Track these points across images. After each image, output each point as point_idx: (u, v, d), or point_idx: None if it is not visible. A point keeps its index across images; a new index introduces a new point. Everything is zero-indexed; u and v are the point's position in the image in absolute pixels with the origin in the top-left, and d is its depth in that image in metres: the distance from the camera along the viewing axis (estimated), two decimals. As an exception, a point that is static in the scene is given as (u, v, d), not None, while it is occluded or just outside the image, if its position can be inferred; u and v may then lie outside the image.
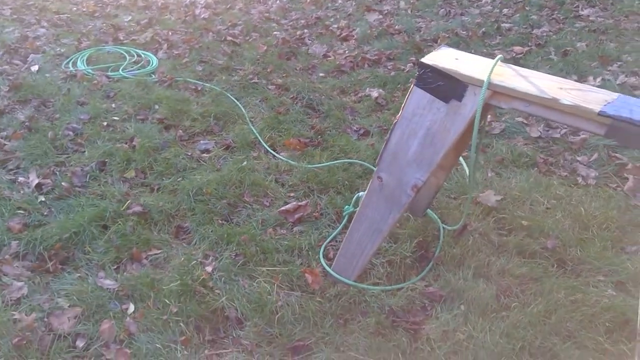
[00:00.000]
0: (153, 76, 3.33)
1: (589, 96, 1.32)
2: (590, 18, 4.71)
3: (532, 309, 1.57)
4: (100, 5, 4.63)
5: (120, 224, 1.97)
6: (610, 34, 4.32)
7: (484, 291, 1.65)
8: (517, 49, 3.98)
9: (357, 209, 1.71)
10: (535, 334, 1.50)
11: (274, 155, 2.52)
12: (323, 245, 1.90)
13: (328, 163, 2.41)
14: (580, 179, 2.25)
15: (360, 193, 2.06)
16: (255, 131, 2.71)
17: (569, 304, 1.58)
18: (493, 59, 1.49)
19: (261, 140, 2.63)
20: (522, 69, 1.50)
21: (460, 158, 2.18)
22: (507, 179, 2.27)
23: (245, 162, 2.43)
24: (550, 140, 2.60)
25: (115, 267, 1.80)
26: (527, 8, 4.98)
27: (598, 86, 3.30)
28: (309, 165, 2.41)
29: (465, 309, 1.59)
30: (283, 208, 2.11)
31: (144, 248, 1.89)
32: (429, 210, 2.02)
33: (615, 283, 1.68)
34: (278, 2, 5.05)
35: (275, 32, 4.25)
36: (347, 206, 2.07)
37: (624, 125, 1.22)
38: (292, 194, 2.24)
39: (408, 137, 1.52)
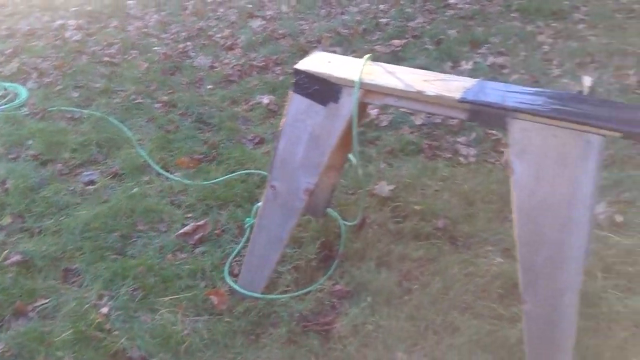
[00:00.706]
0: (23, 109, 3.06)
1: (451, 85, 1.41)
2: (459, 6, 5.06)
3: (432, 289, 1.64)
4: (-48, 36, 4.18)
5: (-3, 278, 1.78)
6: (477, 19, 4.67)
7: (386, 279, 1.70)
8: (396, 42, 4.16)
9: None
10: (437, 311, 1.57)
11: (167, 177, 2.41)
12: (227, 263, 1.86)
13: (224, 177, 2.36)
14: (462, 159, 2.40)
15: (259, 203, 2.04)
16: (143, 154, 2.58)
17: (463, 278, 1.67)
18: (375, 56, 1.53)
19: (151, 163, 2.51)
20: (390, 65, 1.56)
21: (350, 155, 2.23)
22: (397, 168, 2.36)
23: (135, 189, 2.31)
24: (433, 125, 2.75)
25: (-3, 326, 1.63)
26: (401, 2, 5.24)
27: (470, 69, 3.55)
28: (205, 182, 2.34)
29: (372, 300, 1.62)
30: (181, 231, 2.03)
31: (28, 300, 1.72)
32: (328, 209, 2.05)
33: (502, 250, 1.81)
34: (156, 16, 4.87)
35: (155, 48, 4.09)
36: (248, 218, 2.04)
37: (482, 108, 1.31)
38: (189, 215, 2.16)
39: (294, 143, 1.52)
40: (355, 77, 1.43)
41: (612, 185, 2.14)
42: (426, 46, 4.07)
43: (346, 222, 1.99)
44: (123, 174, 2.47)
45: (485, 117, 1.34)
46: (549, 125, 1.25)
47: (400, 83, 1.41)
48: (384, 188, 2.14)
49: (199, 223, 2.05)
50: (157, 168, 2.48)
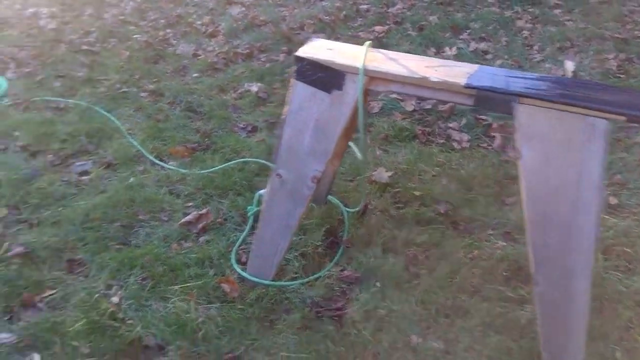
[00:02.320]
0: (5, 100, 2.97)
1: (454, 71, 1.45)
2: (437, -8, 5.11)
3: (439, 273, 1.70)
4: None
5: (1, 270, 1.75)
6: (455, 5, 4.74)
7: (393, 265, 1.75)
8: (378, 28, 4.19)
9: (261, 208, 1.71)
10: (446, 295, 1.63)
11: (163, 166, 2.40)
12: (234, 250, 1.87)
13: (221, 166, 2.36)
14: (455, 144, 2.47)
15: (261, 191, 2.05)
16: (136, 143, 2.55)
17: (468, 262, 1.74)
18: (360, 43, 1.56)
19: (145, 153, 2.48)
20: (390, 52, 1.59)
21: (350, 142, 2.26)
22: (393, 154, 2.41)
23: (132, 179, 2.28)
24: (424, 111, 2.81)
25: (7, 317, 1.60)
26: (379, -13, 5.25)
27: (454, 55, 3.62)
28: (202, 171, 2.33)
29: (381, 285, 1.67)
30: (184, 220, 2.03)
31: (35, 291, 1.70)
32: (330, 197, 2.08)
33: (503, 234, 1.88)
34: (132, 3, 4.75)
35: (135, 36, 4.01)
36: (249, 206, 2.05)
37: (488, 94, 1.36)
38: (190, 204, 2.16)
39: (299, 131, 1.54)
40: (359, 64, 1.45)
41: (604, 168, 2.24)
42: (409, 32, 4.11)
43: (348, 209, 2.03)
44: (117, 164, 2.44)
45: (491, 102, 1.38)
46: (554, 110, 1.30)
47: (404, 69, 1.44)
48: (383, 174, 2.18)
49: (201, 212, 2.05)
50: (152, 157, 2.45)
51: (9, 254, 1.83)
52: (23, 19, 4.27)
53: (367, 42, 1.55)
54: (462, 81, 1.37)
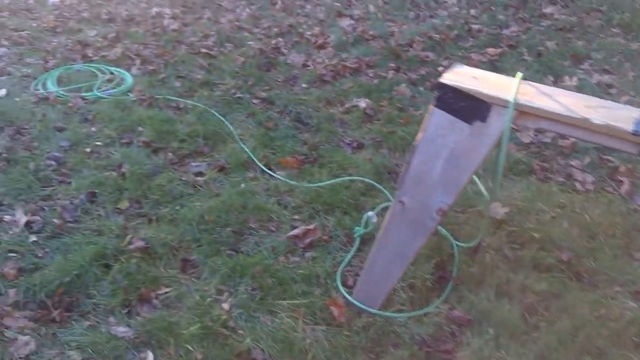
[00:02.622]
0: (130, 95, 3.19)
1: (616, 114, 1.33)
2: (555, 16, 4.86)
3: (559, 328, 1.58)
4: (61, 19, 4.40)
5: (123, 262, 1.86)
6: (576, 32, 4.47)
7: (509, 312, 1.65)
8: (491, 50, 4.04)
9: (377, 234, 1.68)
10: (567, 354, 1.51)
11: (272, 175, 2.45)
12: (339, 271, 1.86)
13: (329, 182, 2.37)
14: (578, 185, 2.30)
15: (369, 213, 2.04)
16: (247, 150, 2.63)
17: (594, 320, 1.60)
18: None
19: (255, 160, 2.55)
20: (542, 85, 1.51)
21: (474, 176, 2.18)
22: (508, 188, 2.29)
23: (243, 185, 2.36)
24: (542, 144, 2.65)
25: (125, 310, 1.70)
26: (492, 8, 5.08)
27: (575, 86, 3.40)
28: (310, 185, 2.36)
29: (495, 332, 1.58)
30: (292, 233, 2.05)
31: (152, 287, 1.79)
32: (439, 227, 2.01)
33: (633, 293, 1.72)
34: (247, 10, 4.94)
35: (249, 42, 4.16)
36: (357, 227, 2.04)
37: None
38: (296, 217, 2.18)
39: (431, 160, 1.50)
40: (509, 97, 1.38)
41: None
42: (524, 57, 3.93)
43: (459, 243, 1.95)
44: (229, 168, 2.52)
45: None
46: None
47: (561, 107, 1.35)
48: (498, 210, 2.08)
49: (309, 227, 2.07)
50: (262, 166, 2.52)
51: (131, 246, 1.94)
52: (148, 18, 4.58)
53: (519, 74, 1.48)
54: (629, 127, 1.26)
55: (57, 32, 4.13)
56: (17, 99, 3.01)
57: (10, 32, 4.04)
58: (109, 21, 4.45)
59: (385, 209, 2.15)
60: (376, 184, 2.35)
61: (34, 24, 4.29)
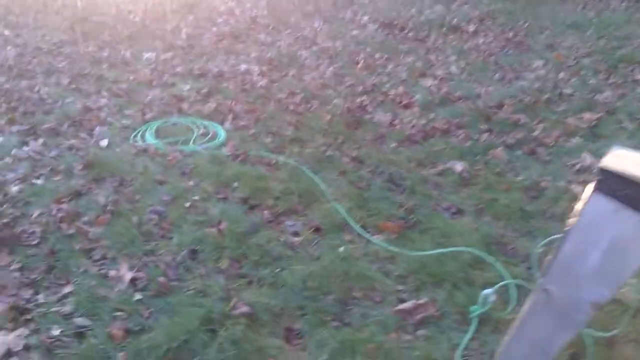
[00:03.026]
0: (223, 149, 3.24)
1: None
2: (651, 82, 4.62)
3: None
4: (156, 73, 4.64)
5: (229, 328, 1.79)
6: (676, 100, 4.20)
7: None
8: (587, 116, 3.85)
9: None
10: None
11: (369, 240, 2.35)
12: (459, 357, 1.70)
13: (435, 251, 2.24)
14: None
15: (487, 291, 1.88)
16: (342, 211, 2.56)
17: None
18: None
19: (352, 223, 2.47)
20: None
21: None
22: None
23: (342, 249, 2.27)
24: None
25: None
26: (582, 72, 4.92)
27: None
28: (414, 253, 2.23)
29: None
30: (400, 307, 1.92)
31: (259, 357, 1.70)
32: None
33: None
34: (331, 68, 5.04)
35: (334, 100, 4.19)
36: (474, 307, 1.88)
37: None
38: (401, 287, 2.06)
39: (586, 248, 1.34)
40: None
41: None
42: (623, 124, 3.71)
43: (595, 334, 1.75)
44: (324, 229, 2.45)
45: None
46: None
47: None
48: (633, 295, 1.86)
49: (419, 302, 1.93)
50: (359, 229, 2.43)
51: (236, 311, 1.87)
52: (237, 74, 4.74)
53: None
54: None
55: (152, 86, 4.34)
56: (117, 150, 3.13)
57: (110, 84, 4.29)
58: (200, 76, 4.65)
59: (503, 287, 1.98)
60: (486, 257, 2.20)
61: (131, 77, 4.54)
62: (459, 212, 2.63)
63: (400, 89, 4.47)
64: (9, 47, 5.21)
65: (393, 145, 3.41)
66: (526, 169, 3.08)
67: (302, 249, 2.29)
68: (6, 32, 5.81)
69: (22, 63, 4.70)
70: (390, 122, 3.78)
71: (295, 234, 2.42)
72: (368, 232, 2.43)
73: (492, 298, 1.85)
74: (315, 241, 2.36)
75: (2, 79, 4.24)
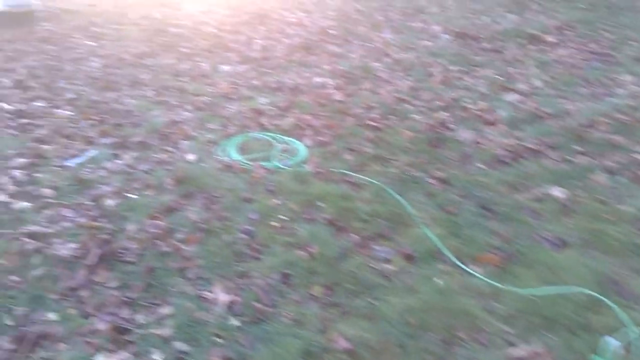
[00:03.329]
0: (305, 167, 3.20)
1: None
2: None
3: None
4: (233, 86, 4.70)
5: (329, 364, 1.72)
6: None
7: None
8: (695, 138, 3.53)
9: None
10: None
11: (466, 271, 2.22)
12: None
13: (545, 290, 2.07)
14: None
15: (613, 341, 1.70)
16: (434, 238, 2.44)
17: None
18: None
19: (447, 252, 2.35)
20: None
21: None
22: None
23: (441, 282, 2.15)
24: None
25: None
26: (681, 87, 4.53)
27: None
28: (521, 291, 2.08)
29: None
30: (514, 355, 1.78)
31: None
32: None
33: None
34: (406, 81, 4.92)
35: (413, 115, 4.07)
36: (594, 356, 1.71)
37: None
38: (509, 329, 1.91)
39: None
40: None
41: None
42: None
43: None
44: (416, 257, 2.35)
45: None
46: None
47: None
48: None
49: (536, 350, 1.78)
50: (455, 259, 2.30)
51: (335, 345, 1.80)
52: (312, 88, 4.71)
53: None
54: None
55: (231, 99, 4.39)
56: (204, 165, 3.16)
57: (192, 97, 4.37)
58: (276, 90, 4.65)
59: (625, 334, 1.80)
60: (604, 299, 2.01)
61: (210, 89, 4.61)
62: (563, 243, 2.44)
63: (482, 104, 4.28)
64: (94, 58, 5.45)
65: (480, 166, 3.25)
66: (632, 197, 2.84)
67: (396, 277, 2.20)
68: (90, 43, 6.10)
69: (107, 74, 4.89)
70: (475, 141, 3.62)
71: (386, 260, 2.33)
72: (463, 262, 2.30)
73: (620, 350, 1.67)
74: (407, 270, 2.26)
75: (90, 90, 4.42)
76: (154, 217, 2.52)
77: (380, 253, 2.38)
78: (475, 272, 2.22)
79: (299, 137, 3.64)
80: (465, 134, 3.71)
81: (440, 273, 2.23)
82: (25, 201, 2.59)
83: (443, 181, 3.05)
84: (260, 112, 4.05)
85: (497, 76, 5.07)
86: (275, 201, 2.77)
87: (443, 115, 4.07)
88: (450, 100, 4.40)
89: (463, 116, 4.06)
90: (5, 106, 3.91)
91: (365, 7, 8.28)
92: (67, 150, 3.24)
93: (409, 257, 2.35)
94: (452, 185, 3.00)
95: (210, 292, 2.07)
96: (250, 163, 3.19)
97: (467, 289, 2.12)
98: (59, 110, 3.88)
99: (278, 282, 2.14)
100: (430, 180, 3.05)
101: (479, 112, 4.12)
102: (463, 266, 2.26)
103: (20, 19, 6.70)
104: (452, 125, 3.89)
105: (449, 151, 3.45)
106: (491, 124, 3.92)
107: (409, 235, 2.51)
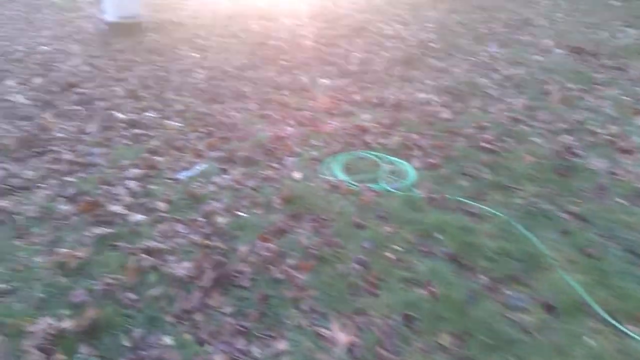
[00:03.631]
0: (416, 191, 2.96)
1: None
2: None
3: None
4: (334, 101, 4.57)
5: None
6: None
7: None
8: None
9: None
10: None
11: (621, 330, 1.87)
12: None
13: None
14: None
15: None
16: (578, 288, 2.11)
17: None
18: None
19: (595, 307, 2.01)
20: None
21: None
22: None
23: (593, 342, 1.83)
24: None
25: None
26: None
27: None
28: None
29: None
30: None
31: None
32: None
33: None
34: (520, 99, 4.53)
35: (532, 138, 3.70)
36: None
37: None
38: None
39: None
40: None
41: None
42: None
43: None
44: (557, 308, 2.03)
45: None
46: None
47: None
48: None
49: None
50: (608, 317, 1.96)
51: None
52: (415, 104, 4.47)
53: None
54: None
55: (332, 114, 4.26)
56: (310, 184, 3.02)
57: (294, 112, 4.29)
58: (378, 105, 4.46)
59: None
60: None
61: (311, 104, 4.51)
62: None
63: (613, 129, 3.82)
64: (199, 70, 5.57)
65: (620, 200, 2.85)
66: None
67: (538, 333, 1.90)
68: (195, 55, 6.27)
69: (212, 86, 4.95)
70: (610, 171, 3.20)
71: (523, 310, 2.04)
72: (617, 320, 1.95)
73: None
74: (548, 324, 1.95)
75: (197, 102, 4.48)
76: (264, 239, 2.40)
77: (514, 300, 2.10)
78: (635, 333, 1.87)
79: (407, 158, 3.41)
80: (598, 163, 3.30)
81: (590, 331, 1.90)
82: (141, 214, 2.58)
83: (578, 217, 2.68)
84: (363, 129, 3.87)
85: (624, 97, 4.55)
86: (387, 229, 2.56)
87: (568, 139, 3.67)
88: (574, 123, 3.98)
89: (591, 141, 3.64)
90: (120, 115, 4.03)
91: (466, 19, 7.91)
92: (178, 162, 3.24)
93: (549, 308, 2.05)
94: (590, 222, 2.63)
95: (328, 329, 1.89)
96: (357, 184, 3.01)
97: (625, 354, 1.79)
98: (169, 122, 3.94)
99: (400, 324, 1.93)
100: (564, 215, 2.70)
101: (610, 138, 3.67)
102: (619, 325, 1.92)
103: (129, 30, 7.05)
104: (580, 152, 3.48)
105: (580, 182, 3.06)
106: (627, 152, 3.46)
107: (546, 280, 2.20)
